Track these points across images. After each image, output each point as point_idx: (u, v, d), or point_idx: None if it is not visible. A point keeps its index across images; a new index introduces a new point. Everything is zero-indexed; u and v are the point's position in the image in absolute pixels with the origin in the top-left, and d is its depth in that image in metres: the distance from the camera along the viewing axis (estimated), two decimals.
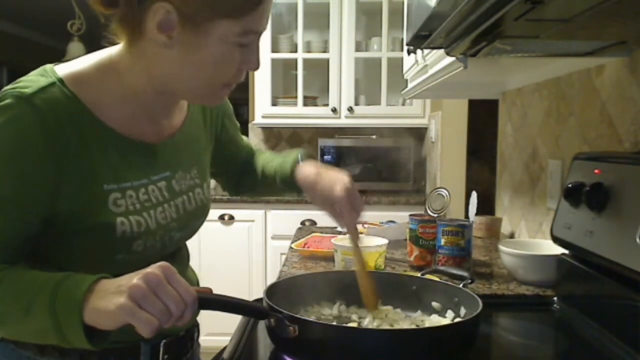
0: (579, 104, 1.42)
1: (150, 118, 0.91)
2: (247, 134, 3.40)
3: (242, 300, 0.83)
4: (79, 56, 0.89)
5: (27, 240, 0.82)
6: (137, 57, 0.84)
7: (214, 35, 0.80)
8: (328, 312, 1.01)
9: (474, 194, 1.59)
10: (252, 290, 3.16)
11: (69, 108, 0.81)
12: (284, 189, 1.15)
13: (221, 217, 3.19)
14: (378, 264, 1.39)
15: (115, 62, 0.86)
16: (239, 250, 3.21)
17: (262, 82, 3.41)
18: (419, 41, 1.16)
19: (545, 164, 1.65)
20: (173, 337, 0.97)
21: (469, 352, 0.88)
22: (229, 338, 0.98)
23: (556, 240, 1.19)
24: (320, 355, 0.82)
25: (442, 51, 1.25)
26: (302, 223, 3.09)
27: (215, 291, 0.80)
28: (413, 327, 0.95)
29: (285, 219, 3.17)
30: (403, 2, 1.82)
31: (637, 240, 0.90)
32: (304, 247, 1.69)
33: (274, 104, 3.47)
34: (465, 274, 1.13)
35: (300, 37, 3.41)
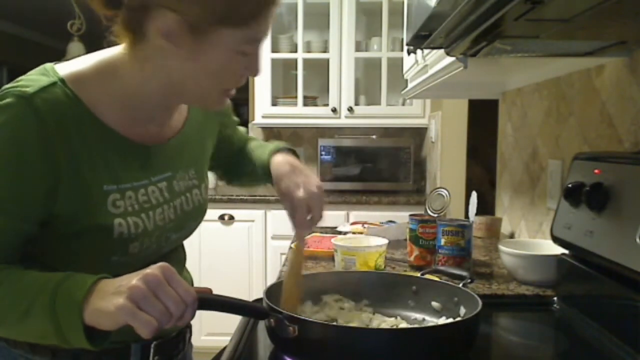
0: (579, 104, 1.42)
1: (150, 119, 0.91)
2: None
3: (242, 300, 0.83)
4: (79, 56, 0.88)
5: (25, 241, 0.82)
6: (139, 61, 0.83)
7: (217, 44, 0.79)
8: (328, 312, 1.00)
9: (474, 194, 1.59)
10: (252, 291, 3.16)
11: (69, 108, 0.80)
12: (262, 177, 1.13)
13: (221, 217, 3.19)
14: (378, 264, 1.39)
15: (117, 64, 0.85)
16: (239, 250, 3.21)
17: (262, 82, 3.40)
18: (419, 41, 1.16)
19: (545, 164, 1.65)
20: (165, 338, 0.97)
21: (469, 352, 0.88)
22: (229, 338, 0.98)
23: (556, 240, 1.19)
24: (320, 355, 0.82)
25: (442, 51, 1.25)
26: None
27: (215, 291, 0.81)
28: (413, 327, 0.95)
29: (285, 219, 3.07)
30: (403, 2, 1.83)
31: (637, 240, 0.90)
32: None
33: (274, 104, 3.46)
34: (465, 273, 1.13)
35: (300, 37, 3.41)
